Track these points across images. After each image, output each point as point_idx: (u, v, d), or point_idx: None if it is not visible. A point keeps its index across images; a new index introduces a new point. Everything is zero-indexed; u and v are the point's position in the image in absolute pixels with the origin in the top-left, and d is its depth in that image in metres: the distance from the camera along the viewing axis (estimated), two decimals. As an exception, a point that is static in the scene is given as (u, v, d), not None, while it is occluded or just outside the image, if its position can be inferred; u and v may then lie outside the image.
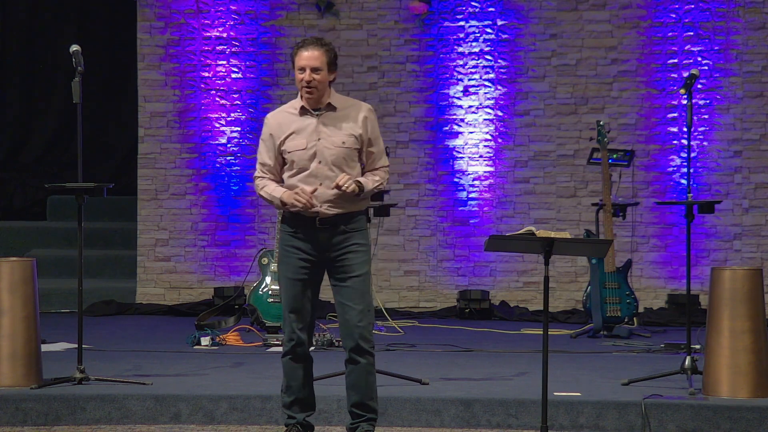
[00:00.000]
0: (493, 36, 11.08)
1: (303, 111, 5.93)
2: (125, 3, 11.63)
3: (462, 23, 11.11)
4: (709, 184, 10.92)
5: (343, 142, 5.88)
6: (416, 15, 11.11)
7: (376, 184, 5.96)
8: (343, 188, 5.78)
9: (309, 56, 5.84)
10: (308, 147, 5.86)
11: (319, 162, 5.86)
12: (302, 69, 5.85)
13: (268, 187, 5.95)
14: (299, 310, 5.92)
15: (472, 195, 11.12)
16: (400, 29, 11.16)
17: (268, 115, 6.03)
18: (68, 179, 10.41)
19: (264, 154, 5.99)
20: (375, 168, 6.00)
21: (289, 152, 5.89)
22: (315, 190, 5.82)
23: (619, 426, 6.59)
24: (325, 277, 6.03)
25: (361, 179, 5.89)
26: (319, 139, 5.88)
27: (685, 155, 10.02)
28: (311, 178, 5.86)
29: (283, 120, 5.96)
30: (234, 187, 11.24)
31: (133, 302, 11.12)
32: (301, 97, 5.93)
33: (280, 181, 5.99)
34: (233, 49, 11.23)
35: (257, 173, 6.01)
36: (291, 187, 5.90)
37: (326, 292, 6.19)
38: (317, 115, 5.91)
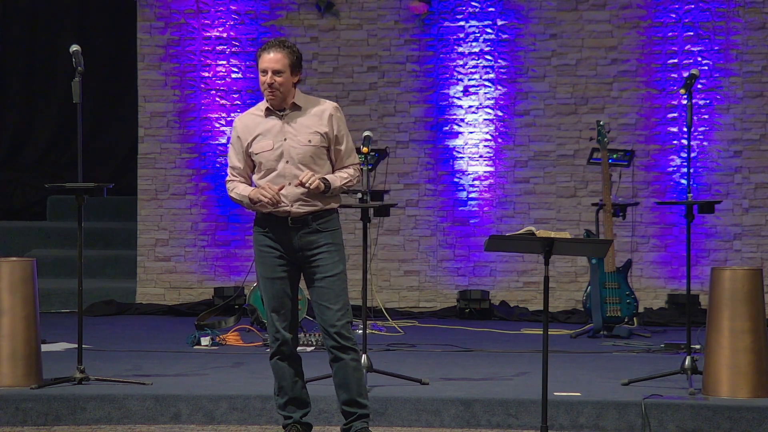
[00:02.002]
0: (493, 36, 11.08)
1: (268, 112, 5.96)
2: (125, 3, 11.64)
3: (462, 23, 11.11)
4: (709, 184, 10.92)
5: (309, 141, 5.89)
6: (416, 15, 11.11)
7: (345, 181, 5.95)
8: (306, 184, 5.80)
9: (270, 59, 5.86)
10: (275, 147, 5.89)
11: (287, 162, 5.88)
12: (264, 71, 5.87)
13: (237, 188, 5.99)
14: (280, 308, 5.94)
15: (472, 195, 11.12)
16: (400, 29, 11.16)
17: (236, 119, 6.07)
18: (68, 179, 10.41)
19: (233, 158, 6.03)
20: (344, 166, 6.00)
21: (256, 154, 5.92)
22: (282, 188, 5.83)
23: (619, 426, 6.59)
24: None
25: (328, 176, 5.89)
26: (285, 139, 5.90)
27: (685, 155, 10.02)
28: (279, 179, 5.88)
29: (250, 122, 5.98)
30: (234, 187, 11.22)
31: (133, 302, 11.12)
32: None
33: (251, 184, 6.02)
34: (233, 49, 11.23)
35: (228, 177, 6.04)
36: (258, 187, 5.92)
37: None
38: (282, 115, 5.93)
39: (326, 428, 6.61)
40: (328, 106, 5.98)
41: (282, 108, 5.93)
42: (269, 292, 5.95)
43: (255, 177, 5.98)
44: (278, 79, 5.85)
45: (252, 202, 5.89)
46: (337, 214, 6.02)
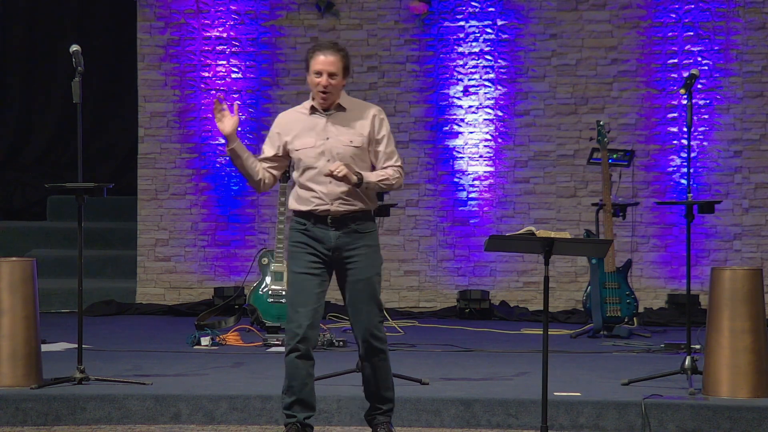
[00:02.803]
0: (493, 36, 11.08)
1: (313, 110, 6.03)
2: (125, 3, 11.63)
3: (462, 23, 11.11)
4: (709, 184, 10.92)
5: (351, 141, 5.96)
6: (416, 15, 11.11)
7: (382, 177, 5.97)
8: (335, 173, 5.81)
9: (326, 61, 5.92)
10: (317, 145, 5.94)
11: (328, 160, 5.93)
12: (319, 73, 5.93)
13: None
14: (305, 305, 5.92)
15: (472, 195, 11.12)
16: (400, 29, 11.16)
17: (280, 114, 6.15)
18: (68, 179, 10.40)
19: (266, 149, 6.09)
20: (384, 167, 6.04)
21: (297, 150, 5.98)
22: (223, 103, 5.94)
23: (619, 426, 6.59)
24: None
25: (363, 171, 5.91)
26: (327, 138, 5.96)
27: (685, 155, 10.02)
28: (320, 176, 5.93)
29: (293, 119, 6.06)
30: (234, 187, 11.24)
31: (133, 302, 11.12)
32: (313, 98, 6.00)
33: (273, 175, 6.09)
34: (233, 49, 11.23)
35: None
36: (301, 186, 5.98)
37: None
38: (327, 115, 6.00)
39: (326, 428, 6.62)
40: (372, 108, 6.07)
41: (327, 108, 5.99)
42: (296, 287, 5.95)
43: (295, 174, 6.03)
44: (332, 81, 5.92)
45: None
46: (373, 215, 6.06)
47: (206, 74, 11.24)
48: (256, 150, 11.37)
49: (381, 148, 6.03)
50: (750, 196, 10.93)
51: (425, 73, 11.15)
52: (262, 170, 6.07)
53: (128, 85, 12.01)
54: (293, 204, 6.04)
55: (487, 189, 11.11)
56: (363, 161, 5.99)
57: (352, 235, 5.95)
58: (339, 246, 5.95)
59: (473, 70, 11.10)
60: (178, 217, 11.30)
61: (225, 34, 11.23)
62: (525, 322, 10.42)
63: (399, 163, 6.09)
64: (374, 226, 6.06)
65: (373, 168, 6.03)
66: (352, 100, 6.10)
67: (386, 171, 6.01)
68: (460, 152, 11.09)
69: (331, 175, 5.83)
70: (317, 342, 6.12)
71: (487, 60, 11.09)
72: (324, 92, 5.93)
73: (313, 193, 5.95)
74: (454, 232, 11.14)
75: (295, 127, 6.02)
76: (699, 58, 10.91)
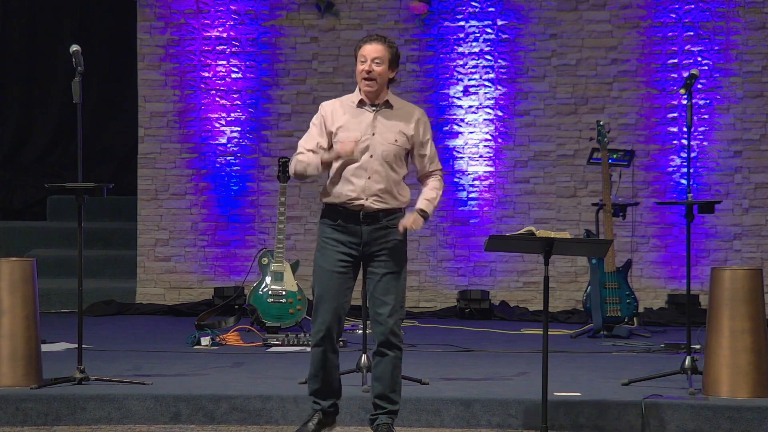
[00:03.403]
0: (493, 36, 11.08)
1: (361, 104, 6.04)
2: (125, 3, 11.63)
3: (462, 23, 11.11)
4: (709, 184, 10.92)
5: (396, 140, 6.00)
6: (416, 15, 11.11)
7: (436, 201, 6.11)
8: (410, 228, 5.96)
9: (371, 48, 5.98)
10: (362, 140, 5.95)
11: (371, 156, 5.96)
12: (364, 59, 5.96)
13: (304, 155, 5.99)
14: (330, 301, 6.00)
15: (472, 195, 11.12)
16: (400, 29, 11.16)
17: (324, 103, 6.13)
18: (68, 179, 10.42)
19: (309, 139, 6.03)
20: (429, 171, 6.15)
21: (341, 142, 5.94)
22: (358, 142, 5.88)
23: (619, 426, 6.59)
24: None
25: (422, 205, 6.03)
26: (373, 134, 5.98)
27: (685, 155, 10.02)
28: (361, 170, 5.96)
29: (339, 109, 6.06)
30: (234, 187, 11.24)
31: (133, 302, 11.12)
32: (360, 89, 6.02)
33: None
34: (233, 49, 11.23)
35: (298, 151, 6.02)
36: (339, 179, 5.97)
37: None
38: (374, 110, 6.02)
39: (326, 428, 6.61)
40: (417, 110, 6.12)
41: (375, 103, 6.01)
42: (323, 283, 6.01)
43: (335, 165, 5.97)
44: (377, 68, 5.95)
45: (336, 157, 5.90)
46: (403, 211, 6.10)
47: (206, 74, 11.24)
48: (255, 149, 11.39)
49: (426, 151, 6.12)
50: (750, 196, 10.93)
51: (425, 73, 11.15)
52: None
53: (128, 85, 12.01)
54: (327, 196, 6.04)
55: (487, 189, 11.11)
56: (401, 159, 6.04)
57: (383, 230, 6.00)
58: (369, 241, 5.99)
59: (473, 70, 11.10)
60: (178, 217, 11.30)
61: (225, 34, 11.23)
62: (525, 322, 10.42)
63: (440, 167, 6.21)
64: None
65: (416, 168, 6.12)
66: (398, 99, 6.13)
67: (435, 188, 6.12)
68: (460, 152, 11.09)
69: (404, 230, 5.94)
70: (341, 334, 6.18)
71: (487, 60, 11.09)
72: (368, 78, 5.94)
73: (351, 187, 5.97)
74: (454, 232, 11.14)
75: (341, 118, 6.02)
76: (699, 58, 10.91)
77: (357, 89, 6.06)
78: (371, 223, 5.98)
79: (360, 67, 5.96)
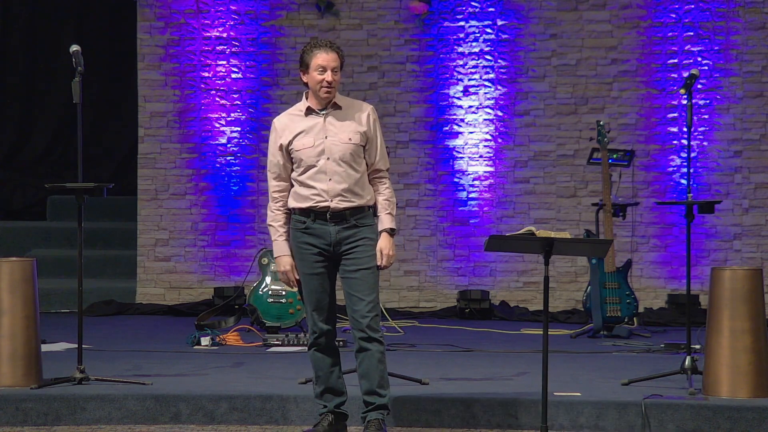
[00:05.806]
0: (493, 36, 11.08)
1: (309, 111, 6.14)
2: (125, 3, 11.64)
3: (462, 23, 11.11)
4: (709, 184, 10.92)
5: (350, 139, 6.09)
6: (416, 15, 11.11)
7: (392, 207, 6.17)
8: (385, 266, 6.09)
9: (330, 58, 6.07)
10: (315, 145, 6.06)
11: (327, 158, 6.06)
12: (323, 69, 6.05)
13: (276, 222, 6.17)
14: (318, 303, 6.13)
15: (472, 195, 11.12)
16: (400, 29, 11.16)
17: (274, 120, 6.24)
18: (68, 179, 10.42)
19: (272, 164, 6.17)
20: (377, 170, 6.17)
21: (297, 150, 6.08)
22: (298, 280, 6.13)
23: (619, 426, 6.59)
24: None
25: (389, 224, 6.11)
26: (326, 137, 6.07)
27: (685, 155, 10.03)
28: (320, 174, 6.06)
29: (289, 122, 6.17)
30: (234, 187, 11.24)
31: (133, 302, 11.12)
32: (314, 96, 6.11)
33: (290, 184, 6.16)
34: (233, 49, 11.23)
35: (271, 198, 6.17)
36: (300, 184, 6.08)
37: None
38: (323, 114, 6.11)
39: (326, 428, 6.62)
40: (366, 106, 6.21)
41: (323, 108, 6.11)
42: (308, 288, 6.14)
43: (294, 174, 6.13)
44: (336, 78, 6.07)
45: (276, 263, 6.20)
46: (372, 208, 6.17)
47: (206, 74, 11.24)
48: (255, 149, 11.39)
49: (377, 146, 6.18)
50: (750, 196, 10.93)
51: (425, 73, 11.15)
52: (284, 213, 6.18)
53: (128, 85, 12.01)
54: (293, 202, 6.15)
55: (487, 189, 11.11)
56: (359, 157, 6.11)
57: (352, 229, 6.09)
58: (339, 240, 6.08)
59: (473, 70, 11.10)
60: (178, 217, 11.30)
61: (225, 34, 11.23)
62: (525, 322, 10.42)
63: (388, 166, 6.26)
64: (373, 220, 6.18)
65: (367, 164, 6.15)
66: (345, 98, 6.23)
67: (387, 199, 6.17)
68: (460, 152, 11.09)
69: (384, 267, 6.09)
70: (336, 333, 6.24)
71: (487, 60, 11.09)
72: (329, 87, 6.05)
73: (314, 191, 6.07)
74: (454, 232, 11.14)
75: (293, 129, 6.13)
76: (699, 58, 10.91)
77: (303, 97, 6.17)
78: (339, 223, 6.07)
79: (319, 77, 6.05)
